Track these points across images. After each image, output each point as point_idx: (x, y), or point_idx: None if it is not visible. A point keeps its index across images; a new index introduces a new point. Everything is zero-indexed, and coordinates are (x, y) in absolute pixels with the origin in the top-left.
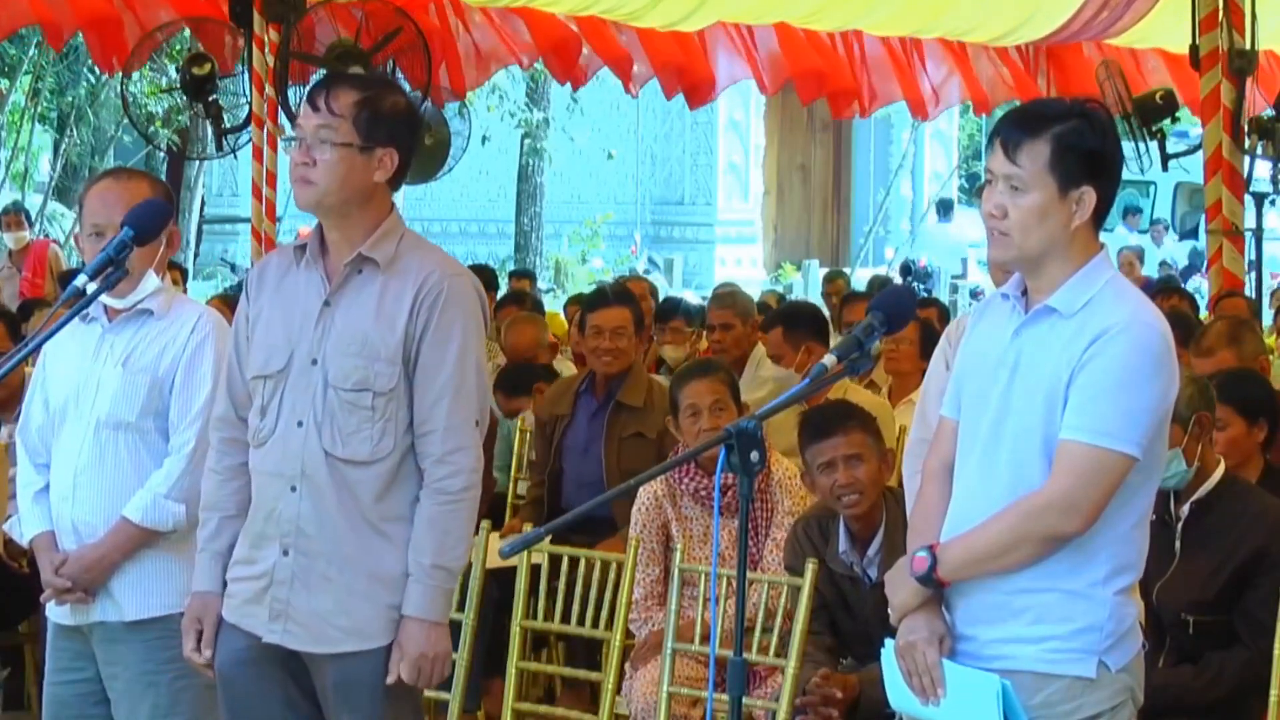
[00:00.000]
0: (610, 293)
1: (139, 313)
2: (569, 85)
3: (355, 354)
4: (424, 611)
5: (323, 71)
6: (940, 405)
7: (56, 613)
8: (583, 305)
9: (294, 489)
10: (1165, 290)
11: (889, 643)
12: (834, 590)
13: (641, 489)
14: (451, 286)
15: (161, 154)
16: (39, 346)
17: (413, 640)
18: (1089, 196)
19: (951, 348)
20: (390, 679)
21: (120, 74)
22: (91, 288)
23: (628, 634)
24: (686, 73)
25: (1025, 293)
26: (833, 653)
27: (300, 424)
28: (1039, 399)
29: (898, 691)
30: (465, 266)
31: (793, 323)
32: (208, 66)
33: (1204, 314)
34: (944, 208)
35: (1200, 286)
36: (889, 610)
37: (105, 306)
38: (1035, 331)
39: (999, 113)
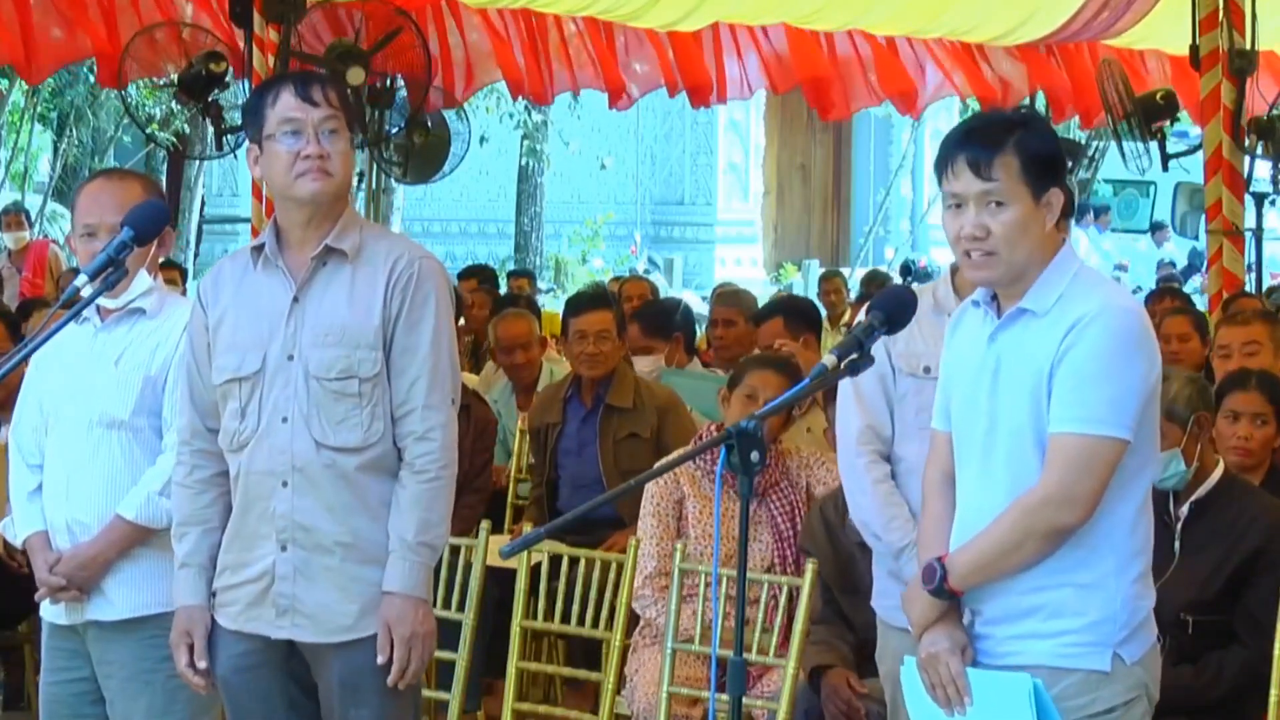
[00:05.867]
0: (590, 296)
1: (131, 312)
2: (566, 91)
3: (335, 344)
4: (410, 588)
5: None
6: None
7: (50, 612)
8: (565, 310)
9: (285, 484)
10: (1165, 294)
11: (908, 659)
12: (840, 573)
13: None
14: (422, 268)
15: (162, 154)
16: (38, 348)
17: (401, 618)
18: (1056, 198)
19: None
20: (381, 659)
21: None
22: (91, 289)
23: (627, 632)
24: (689, 74)
25: (994, 298)
26: (844, 639)
27: (285, 420)
28: (1024, 398)
29: (919, 706)
30: (441, 262)
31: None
32: (224, 65)
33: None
34: None
35: (1199, 286)
36: (909, 627)
37: (98, 306)
38: (1011, 334)
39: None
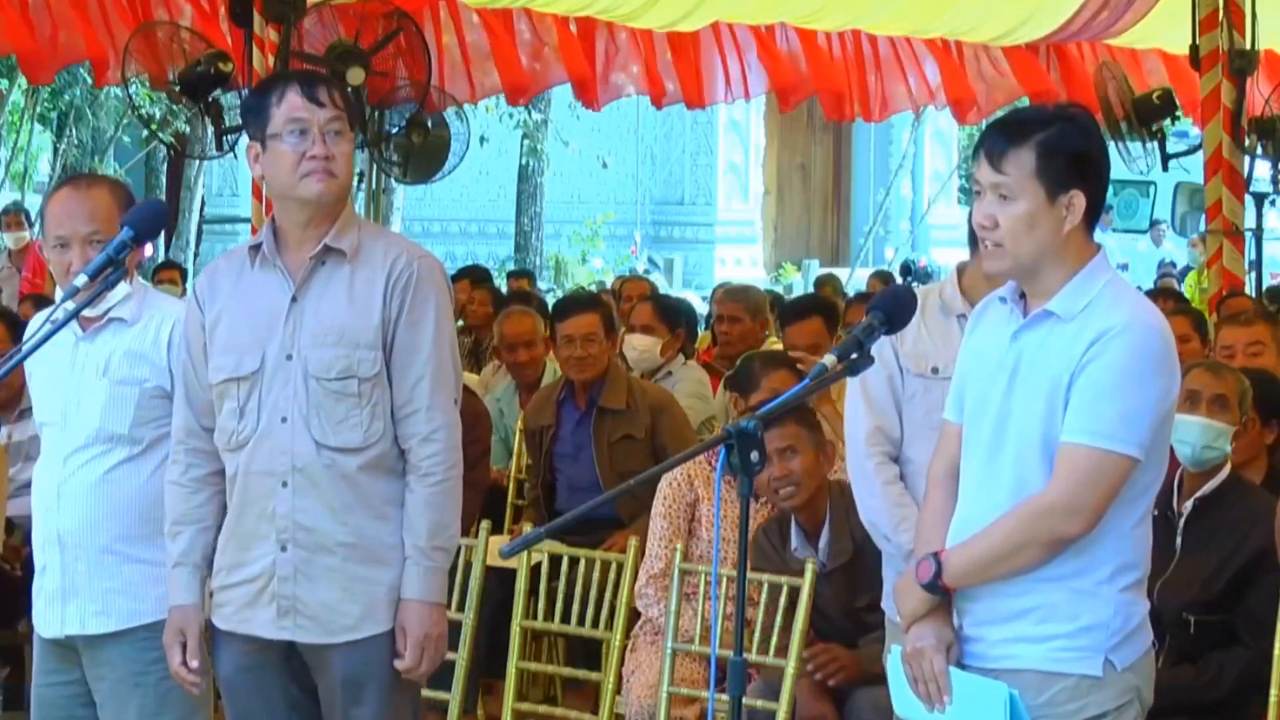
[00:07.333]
0: (576, 299)
1: (110, 321)
2: (570, 90)
3: (334, 344)
4: (425, 593)
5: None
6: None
7: (42, 625)
8: (551, 315)
9: (285, 484)
10: (1163, 294)
11: (895, 648)
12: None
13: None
14: (421, 268)
15: (162, 154)
16: (36, 348)
17: (416, 622)
18: (1078, 200)
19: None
20: (397, 662)
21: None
22: (93, 287)
23: (628, 630)
24: (686, 76)
25: (1023, 296)
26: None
27: (285, 419)
28: (1039, 402)
29: (903, 697)
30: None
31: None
32: (230, 65)
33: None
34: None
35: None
36: (899, 618)
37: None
38: (1034, 335)
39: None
